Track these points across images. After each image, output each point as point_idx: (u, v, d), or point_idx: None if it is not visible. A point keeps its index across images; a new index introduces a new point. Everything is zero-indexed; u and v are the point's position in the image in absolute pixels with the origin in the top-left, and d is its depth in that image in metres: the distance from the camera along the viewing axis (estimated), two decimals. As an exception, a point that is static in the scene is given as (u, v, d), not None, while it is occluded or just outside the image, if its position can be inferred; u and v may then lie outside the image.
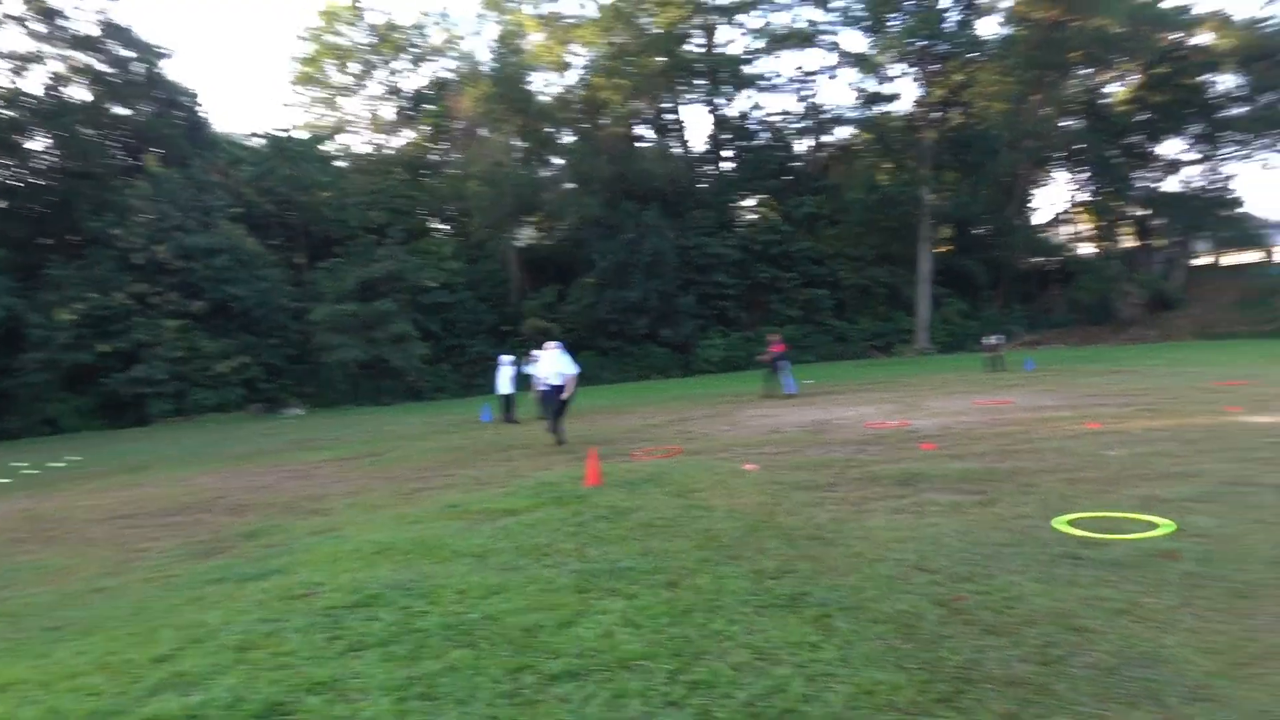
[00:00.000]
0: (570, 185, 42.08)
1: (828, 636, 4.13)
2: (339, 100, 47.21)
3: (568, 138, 43.88)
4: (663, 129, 46.32)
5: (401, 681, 3.86)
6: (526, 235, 44.92)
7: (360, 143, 47.77)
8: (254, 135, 41.07)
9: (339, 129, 46.96)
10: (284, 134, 39.50)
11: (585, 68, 44.42)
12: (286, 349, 34.24)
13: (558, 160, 44.16)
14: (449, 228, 45.33)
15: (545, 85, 44.60)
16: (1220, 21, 41.64)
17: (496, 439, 15.40)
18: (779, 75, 47.29)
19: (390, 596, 5.19)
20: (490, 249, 41.88)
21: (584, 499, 8.16)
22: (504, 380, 18.86)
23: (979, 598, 4.58)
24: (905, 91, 43.05)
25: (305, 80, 46.15)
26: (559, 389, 13.00)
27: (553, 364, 13.15)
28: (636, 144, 44.22)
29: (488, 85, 40.18)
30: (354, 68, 46.13)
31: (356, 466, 12.94)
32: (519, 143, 42.50)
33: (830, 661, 3.83)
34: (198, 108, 37.87)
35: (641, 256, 36.95)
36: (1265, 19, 40.60)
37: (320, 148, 41.17)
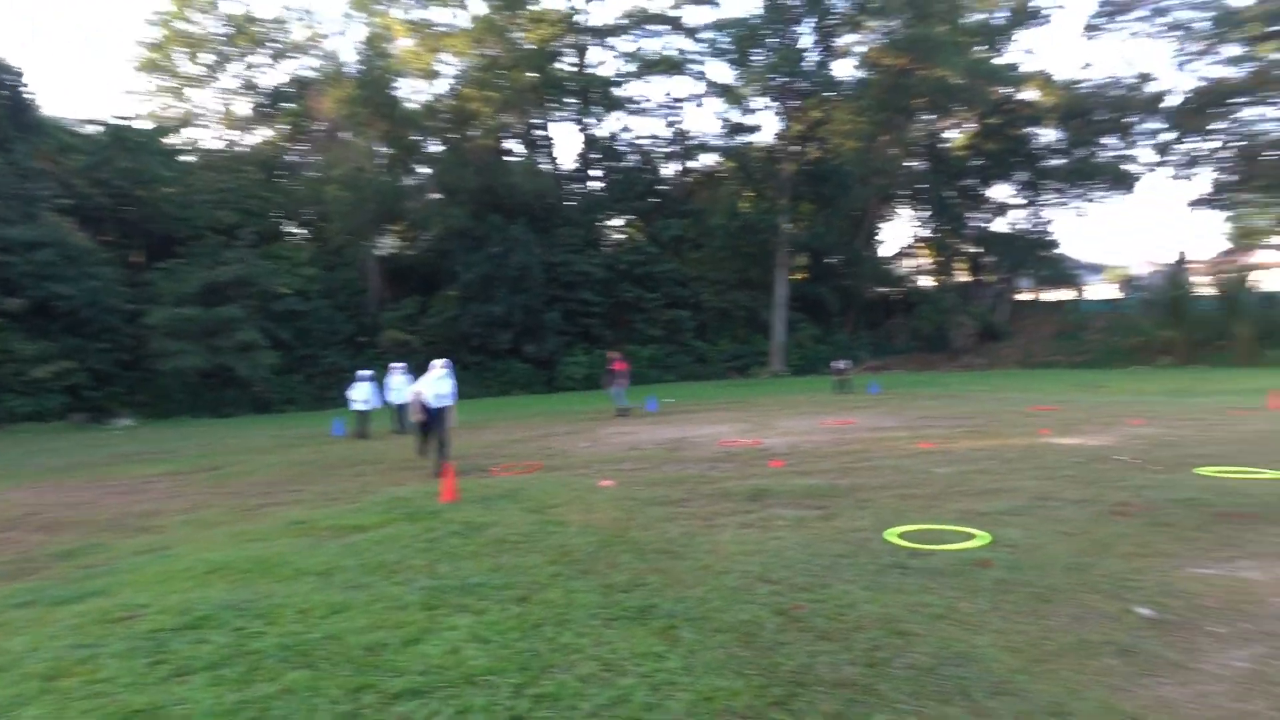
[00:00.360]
0: (436, 195, 41.23)
1: (673, 646, 4.27)
2: (188, 91, 44.33)
3: (435, 147, 42.97)
4: (532, 144, 46.25)
5: (231, 706, 3.69)
6: (388, 244, 43.55)
7: (210, 138, 44.94)
8: (90, 122, 37.85)
9: (186, 122, 43.95)
10: (124, 123, 36.59)
11: (455, 78, 43.78)
12: (118, 354, 31.59)
13: (423, 169, 43.18)
14: (305, 232, 43.30)
15: (413, 92, 43.61)
16: (1044, 80, 45.93)
17: (349, 454, 14.88)
18: (648, 100, 48.69)
19: (223, 617, 4.94)
20: (349, 256, 40.34)
21: (438, 515, 8.04)
22: (360, 396, 18.25)
23: (815, 606, 4.85)
24: (767, 124, 45.51)
25: (151, 67, 43.05)
26: (441, 411, 11.75)
27: (437, 384, 11.82)
28: (505, 158, 43.88)
29: (352, 87, 38.79)
30: (206, 58, 43.47)
31: (193, 481, 12.16)
32: (383, 149, 41.24)
33: (674, 670, 3.96)
34: (22, 87, 34.52)
35: (507, 271, 36.63)
36: (1081, 81, 45.19)
37: (165, 140, 38.32)
